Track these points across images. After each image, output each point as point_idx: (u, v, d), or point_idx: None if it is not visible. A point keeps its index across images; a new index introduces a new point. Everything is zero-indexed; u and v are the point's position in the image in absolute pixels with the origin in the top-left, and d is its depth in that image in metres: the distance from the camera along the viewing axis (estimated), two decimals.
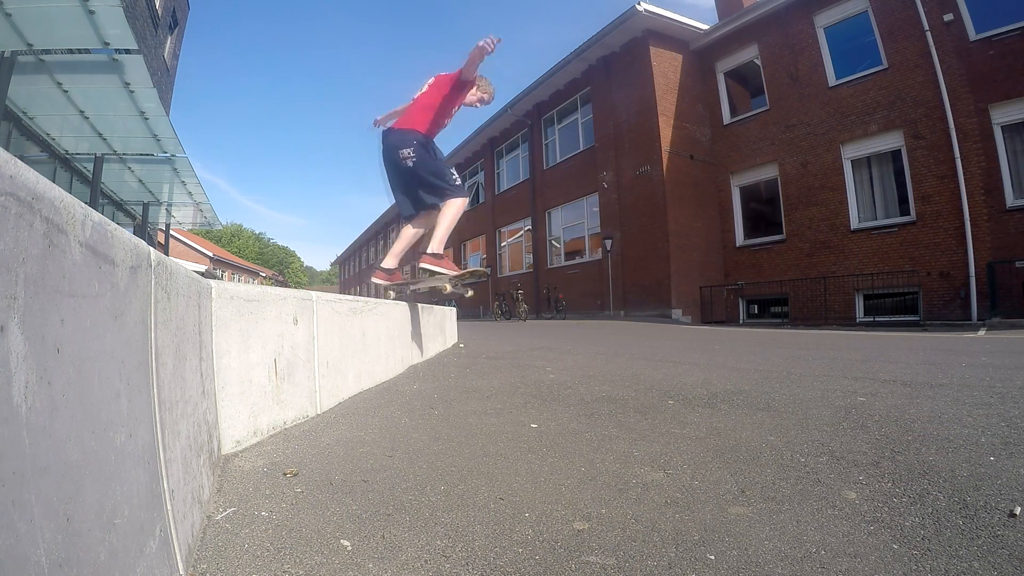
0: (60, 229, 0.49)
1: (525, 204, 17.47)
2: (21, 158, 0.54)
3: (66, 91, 6.77)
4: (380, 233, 37.60)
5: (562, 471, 1.31)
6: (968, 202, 8.96)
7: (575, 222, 15.63)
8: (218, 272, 29.13)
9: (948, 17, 9.20)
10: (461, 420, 1.82)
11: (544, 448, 1.50)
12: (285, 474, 1.26)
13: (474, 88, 3.24)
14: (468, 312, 18.26)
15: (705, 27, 13.12)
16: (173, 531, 0.74)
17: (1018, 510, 1.00)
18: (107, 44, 5.82)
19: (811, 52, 11.27)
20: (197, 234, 34.11)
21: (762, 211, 12.55)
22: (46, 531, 0.41)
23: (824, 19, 11.15)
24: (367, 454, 1.44)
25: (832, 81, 10.97)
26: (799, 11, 11.40)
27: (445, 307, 5.09)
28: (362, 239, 42.93)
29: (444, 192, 3.10)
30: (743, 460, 1.36)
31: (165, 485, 0.74)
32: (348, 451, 1.46)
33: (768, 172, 12.16)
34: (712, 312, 12.10)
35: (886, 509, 1.05)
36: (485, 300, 18.33)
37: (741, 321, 12.19)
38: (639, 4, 11.92)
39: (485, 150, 20.21)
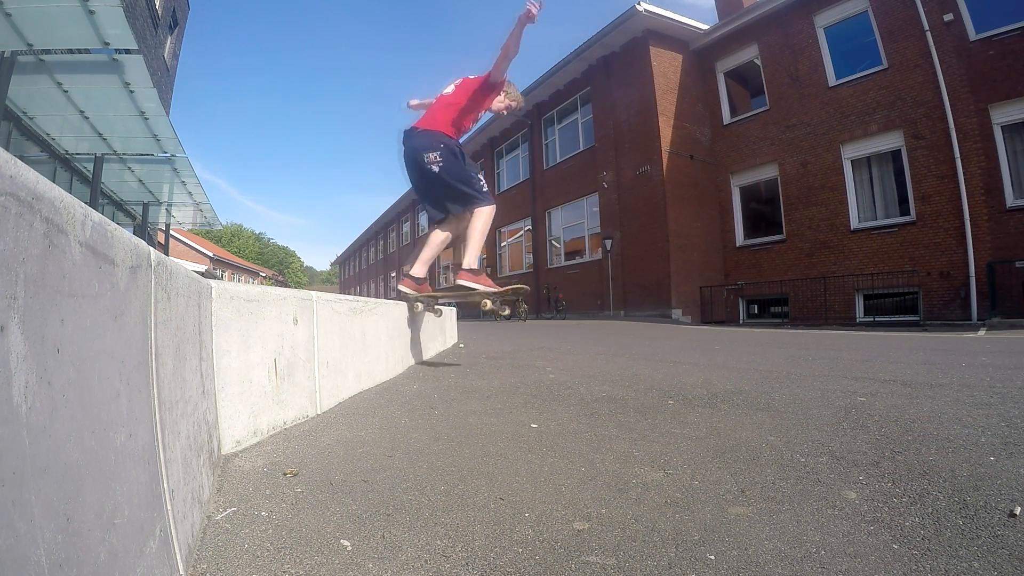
0: (60, 229, 0.49)
1: (525, 204, 17.47)
2: (21, 158, 0.54)
3: (66, 91, 6.77)
4: (380, 233, 37.61)
5: (562, 471, 1.31)
6: (968, 202, 8.96)
7: (575, 222, 15.64)
8: (218, 272, 29.14)
9: (948, 17, 9.20)
10: (461, 420, 1.82)
11: (544, 448, 1.50)
12: (285, 474, 1.26)
13: (501, 95, 3.11)
14: (468, 312, 18.27)
15: (705, 27, 13.12)
16: (173, 531, 0.74)
17: (1018, 510, 1.00)
18: (107, 44, 5.83)
19: (811, 52, 11.27)
20: (197, 234, 34.11)
21: (762, 211, 12.56)
22: (46, 531, 0.41)
23: (824, 19, 11.15)
24: (367, 454, 1.44)
25: (832, 81, 10.97)
26: (799, 11, 11.40)
27: (445, 307, 5.09)
28: (362, 239, 42.92)
29: (472, 200, 2.95)
30: (743, 460, 1.36)
31: (165, 485, 0.74)
32: (348, 451, 1.46)
33: (768, 172, 12.16)
34: (712, 312, 12.10)
35: (886, 509, 1.05)
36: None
37: (741, 321, 12.19)
38: (639, 4, 11.93)
39: (485, 150, 20.21)
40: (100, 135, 8.14)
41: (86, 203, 0.60)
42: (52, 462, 0.44)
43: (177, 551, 0.75)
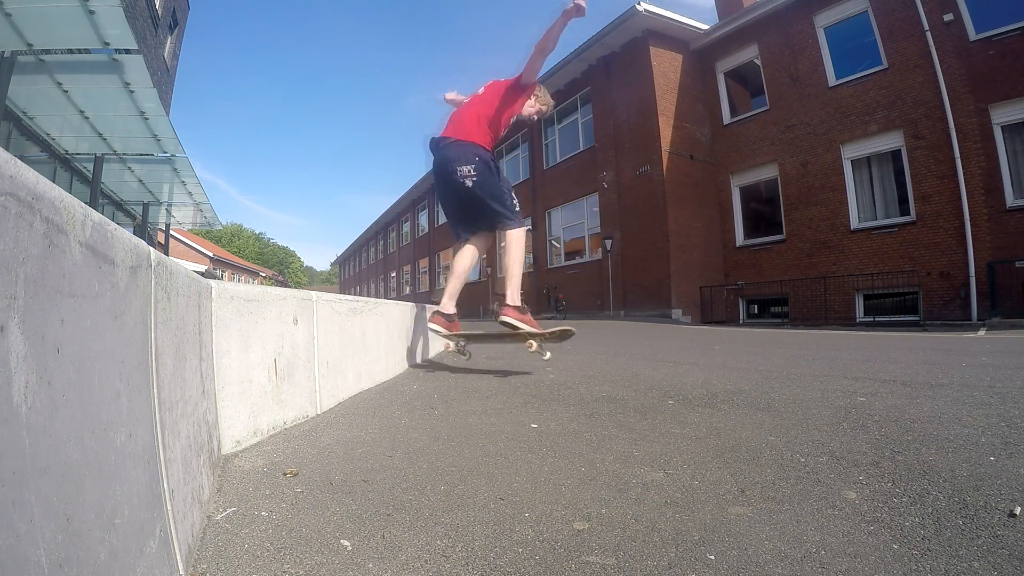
0: (60, 229, 0.49)
1: (525, 204, 17.42)
2: (21, 158, 0.54)
3: (66, 91, 6.78)
4: (380, 233, 37.61)
5: (562, 471, 1.31)
6: (968, 202, 8.96)
7: (575, 222, 15.64)
8: (218, 272, 29.15)
9: (948, 17, 9.20)
10: (461, 420, 1.82)
11: (544, 448, 1.50)
12: (285, 474, 1.26)
13: (532, 99, 2.91)
14: (468, 312, 18.26)
15: (705, 27, 13.13)
16: (173, 531, 0.74)
17: (1018, 510, 1.00)
18: (107, 44, 5.83)
19: (811, 52, 11.27)
20: (197, 234, 34.12)
21: (762, 211, 12.56)
22: (46, 531, 0.41)
23: (824, 19, 11.16)
24: (367, 454, 1.44)
25: (832, 81, 10.98)
26: (799, 11, 11.41)
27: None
28: (362, 239, 42.94)
29: (502, 220, 2.72)
30: (743, 460, 1.36)
31: (165, 485, 0.74)
32: (348, 451, 1.46)
33: (768, 172, 12.17)
34: (712, 312, 12.11)
35: (886, 509, 1.05)
36: (485, 300, 18.33)
37: (741, 321, 12.19)
38: (639, 4, 11.94)
39: None
40: (100, 135, 8.14)
41: (86, 203, 0.60)
42: (52, 462, 0.44)
43: (177, 551, 0.75)
